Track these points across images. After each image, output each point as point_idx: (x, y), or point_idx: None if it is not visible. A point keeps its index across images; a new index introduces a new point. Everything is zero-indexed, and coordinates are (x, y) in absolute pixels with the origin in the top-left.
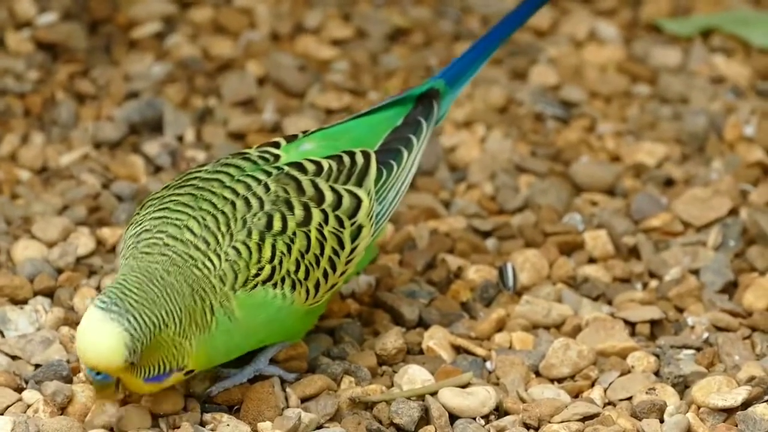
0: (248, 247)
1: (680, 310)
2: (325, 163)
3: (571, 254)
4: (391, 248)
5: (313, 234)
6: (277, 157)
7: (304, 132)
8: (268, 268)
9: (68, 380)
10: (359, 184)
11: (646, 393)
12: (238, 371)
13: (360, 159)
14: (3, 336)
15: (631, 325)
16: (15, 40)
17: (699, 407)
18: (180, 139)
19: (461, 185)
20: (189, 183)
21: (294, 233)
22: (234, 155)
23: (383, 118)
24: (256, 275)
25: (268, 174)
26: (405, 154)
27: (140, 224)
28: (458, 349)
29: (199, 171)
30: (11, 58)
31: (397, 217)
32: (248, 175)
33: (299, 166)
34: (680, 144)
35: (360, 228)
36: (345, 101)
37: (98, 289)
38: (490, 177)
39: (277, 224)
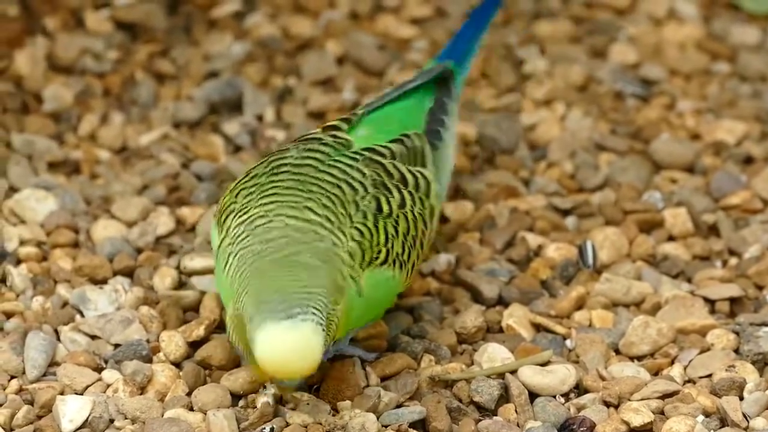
0: (369, 229)
1: (760, 288)
2: (394, 147)
3: (651, 232)
4: (471, 226)
5: (410, 216)
6: (348, 141)
7: (350, 116)
8: (384, 251)
9: (148, 360)
10: (424, 165)
11: (726, 370)
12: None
13: (417, 141)
14: (82, 316)
15: (710, 303)
16: (94, 20)
17: None
18: (259, 118)
19: (541, 164)
20: (283, 170)
21: (397, 216)
22: (307, 140)
23: (416, 102)
24: (376, 257)
25: (355, 159)
26: (444, 135)
27: (246, 212)
28: (538, 327)
29: (284, 158)
30: (91, 37)
31: (476, 195)
32: (337, 161)
33: (376, 151)
34: (760, 122)
35: (432, 208)
36: None
37: (177, 268)
38: (570, 155)
39: (384, 207)
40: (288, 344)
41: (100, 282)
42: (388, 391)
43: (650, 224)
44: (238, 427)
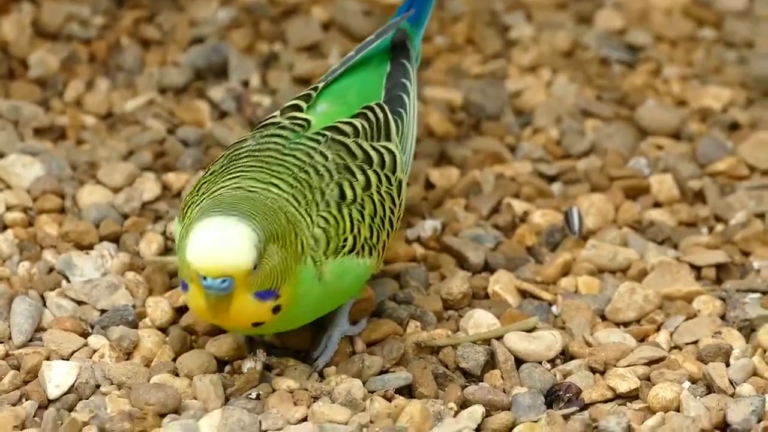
0: (334, 216)
1: (746, 254)
2: (357, 123)
3: (637, 198)
4: (456, 193)
5: (375, 197)
6: (308, 122)
7: (309, 92)
8: (350, 238)
9: (134, 325)
10: (388, 138)
11: (712, 337)
12: (328, 340)
13: (380, 113)
14: (68, 281)
15: (696, 269)
16: None
17: (765, 351)
18: (245, 84)
19: (527, 130)
20: (244, 156)
21: (362, 199)
22: (264, 126)
23: (373, 68)
24: (343, 246)
25: (317, 141)
26: (407, 100)
27: (208, 192)
28: (524, 294)
29: (242, 147)
30: (76, 4)
31: (462, 161)
32: (298, 143)
33: (338, 130)
34: (745, 88)
35: (400, 182)
36: None
37: (163, 234)
38: (556, 121)
39: (348, 193)
40: (215, 234)
41: (86, 248)
42: (374, 356)
43: (636, 190)
44: (225, 393)
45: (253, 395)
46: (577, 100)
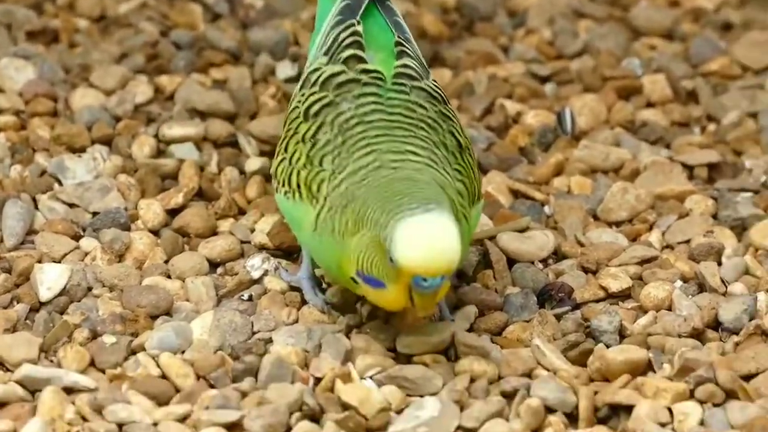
0: (463, 167)
1: (738, 154)
2: (414, 64)
3: (630, 98)
4: (449, 93)
5: (467, 135)
6: (381, 73)
7: (356, 39)
8: (477, 184)
9: (126, 227)
10: (427, 73)
11: (704, 236)
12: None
13: (409, 48)
14: (61, 184)
15: (689, 169)
16: None
17: (757, 249)
18: None
19: (520, 30)
20: (353, 123)
21: (466, 141)
22: (346, 84)
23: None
24: (476, 194)
25: (404, 93)
26: (402, 22)
27: (344, 170)
28: (516, 194)
29: (342, 112)
30: None
31: (455, 62)
32: (393, 99)
33: (410, 77)
34: None
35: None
36: None
37: (156, 136)
38: (549, 22)
39: (461, 140)
40: (431, 233)
41: (78, 150)
42: None
43: (629, 90)
44: (216, 294)
45: (245, 297)
46: (570, 1)
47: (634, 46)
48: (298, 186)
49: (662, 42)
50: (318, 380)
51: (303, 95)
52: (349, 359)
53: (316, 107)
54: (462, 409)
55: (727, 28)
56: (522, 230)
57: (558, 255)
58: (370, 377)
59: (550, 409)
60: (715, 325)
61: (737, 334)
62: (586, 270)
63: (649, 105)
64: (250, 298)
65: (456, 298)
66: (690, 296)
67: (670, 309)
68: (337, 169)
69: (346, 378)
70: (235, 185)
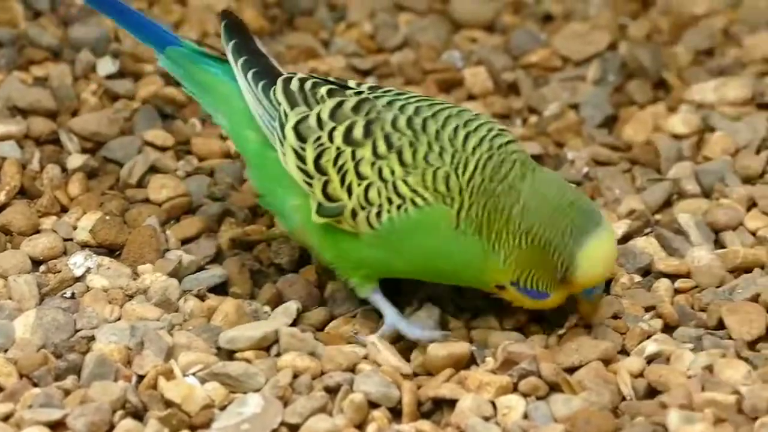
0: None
1: (560, 145)
2: (329, 79)
3: (451, 91)
4: None
5: None
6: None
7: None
8: None
9: None
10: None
11: None
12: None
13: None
14: None
15: None
16: None
17: None
18: None
19: (340, 24)
20: (424, 118)
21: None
22: (361, 103)
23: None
24: None
25: (374, 99)
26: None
27: (461, 162)
28: None
29: (396, 117)
30: None
31: (277, 57)
32: (381, 109)
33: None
34: None
35: None
36: None
37: None
38: (370, 16)
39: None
40: (607, 250)
41: None
42: (189, 254)
43: (450, 83)
44: (39, 293)
45: (68, 294)
46: None
47: (454, 38)
48: (415, 191)
49: (483, 34)
50: (141, 378)
51: (319, 138)
52: (172, 356)
53: (358, 130)
54: (285, 404)
55: (547, 20)
56: None
57: None
58: (193, 374)
59: (373, 404)
60: (539, 317)
61: (560, 326)
62: None
63: (471, 97)
64: (73, 296)
65: (279, 294)
66: None
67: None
68: (453, 162)
69: (169, 375)
70: (57, 183)
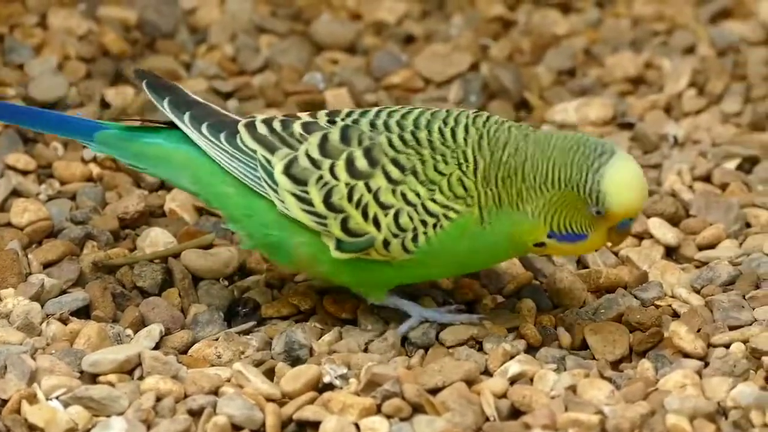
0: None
1: None
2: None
3: None
4: (132, 111)
5: None
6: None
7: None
8: None
9: None
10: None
11: None
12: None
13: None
14: None
15: None
16: None
17: None
18: None
19: (201, 47)
20: (421, 128)
21: None
22: (318, 131)
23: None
24: None
25: (338, 122)
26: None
27: (473, 158)
28: (201, 211)
29: (390, 139)
30: None
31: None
32: (375, 132)
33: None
34: (420, 1)
35: None
36: None
37: None
38: (231, 38)
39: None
40: (633, 175)
41: None
42: (51, 278)
43: (312, 105)
44: None
45: None
46: (252, 16)
47: (316, 60)
48: (445, 206)
49: (344, 56)
50: (4, 402)
51: (321, 178)
52: (35, 380)
53: (360, 161)
54: (149, 428)
55: (408, 41)
56: (207, 247)
57: (243, 271)
58: (56, 398)
59: (237, 427)
60: (402, 340)
61: (424, 348)
62: (272, 286)
63: None
64: None
65: (141, 318)
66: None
67: (354, 324)
68: (457, 163)
69: (32, 399)
70: None
